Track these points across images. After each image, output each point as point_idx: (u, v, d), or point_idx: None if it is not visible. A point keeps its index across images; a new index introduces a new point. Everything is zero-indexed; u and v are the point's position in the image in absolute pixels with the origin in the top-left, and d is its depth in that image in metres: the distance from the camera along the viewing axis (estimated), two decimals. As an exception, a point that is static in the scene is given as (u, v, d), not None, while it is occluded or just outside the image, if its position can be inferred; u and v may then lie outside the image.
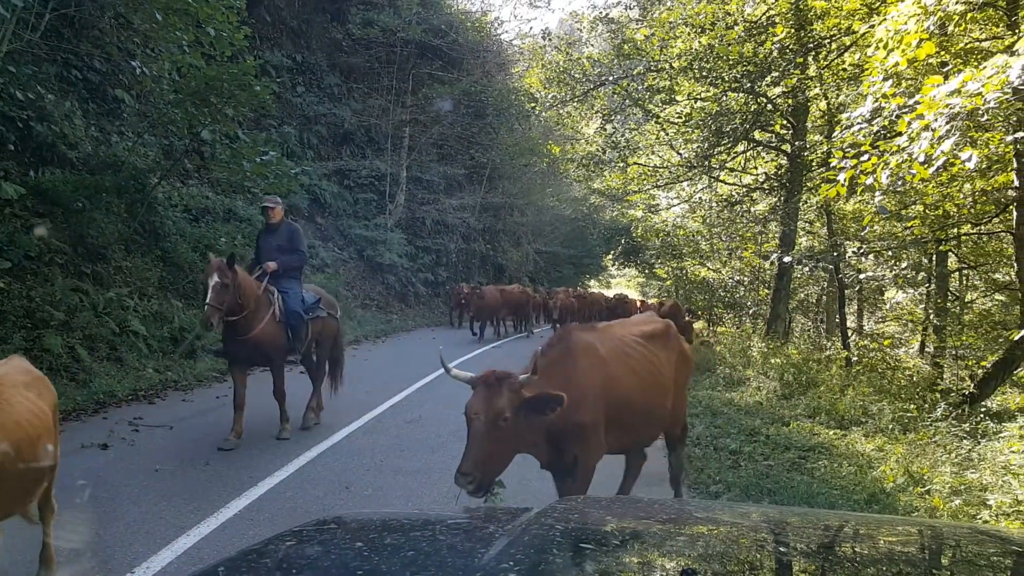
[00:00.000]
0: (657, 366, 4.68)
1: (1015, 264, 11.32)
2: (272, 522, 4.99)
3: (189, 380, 10.12)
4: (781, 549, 1.70)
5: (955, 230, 13.72)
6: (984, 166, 10.68)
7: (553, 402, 3.53)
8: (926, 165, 5.70)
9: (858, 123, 7.45)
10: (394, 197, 25.26)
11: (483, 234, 31.32)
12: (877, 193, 7.46)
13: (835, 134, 11.95)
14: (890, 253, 13.73)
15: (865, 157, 6.18)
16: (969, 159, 5.47)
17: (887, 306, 23.24)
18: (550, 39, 22.91)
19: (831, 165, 7.03)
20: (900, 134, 6.11)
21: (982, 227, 13.03)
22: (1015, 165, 10.15)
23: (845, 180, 6.23)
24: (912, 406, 9.66)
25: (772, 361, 13.45)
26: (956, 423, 8.37)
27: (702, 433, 8.59)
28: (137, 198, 12.04)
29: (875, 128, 7.68)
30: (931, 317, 16.67)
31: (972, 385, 12.15)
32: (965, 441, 7.60)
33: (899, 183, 7.36)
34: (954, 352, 17.91)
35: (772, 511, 2.94)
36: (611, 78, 18.27)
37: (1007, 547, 1.81)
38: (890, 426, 8.81)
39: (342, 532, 1.72)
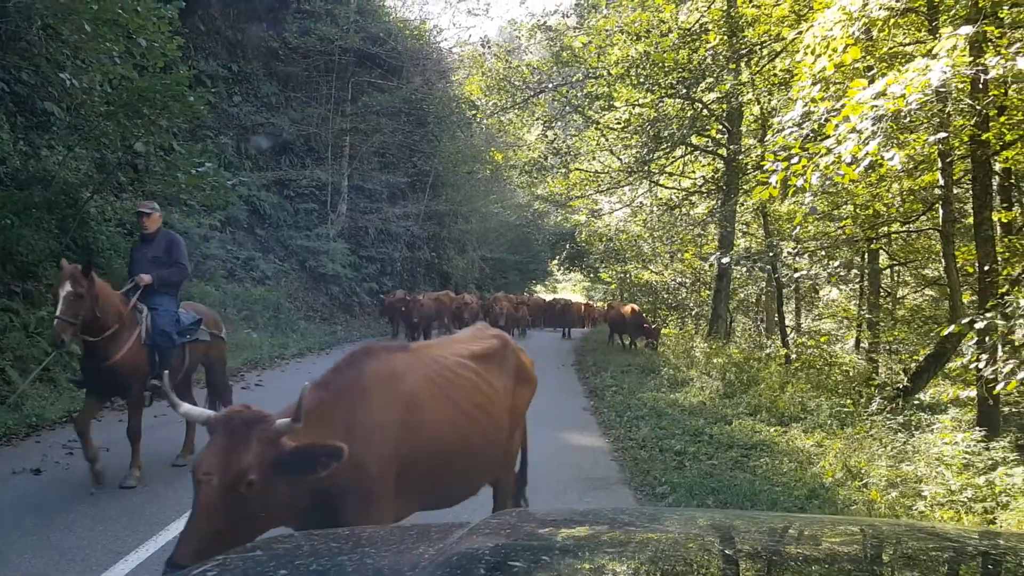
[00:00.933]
0: (489, 395, 3.71)
1: (943, 260, 11.71)
2: (214, 542, 4.89)
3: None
4: (726, 552, 1.72)
5: (885, 228, 14.16)
6: (910, 166, 11.06)
7: (327, 456, 2.51)
8: (853, 166, 5.87)
9: (789, 127, 7.65)
10: (336, 207, 25.01)
11: (428, 242, 31.19)
12: (808, 194, 7.67)
13: (767, 138, 12.24)
14: (823, 252, 14.11)
15: (796, 159, 6.35)
16: (893, 159, 5.65)
17: (823, 304, 23.87)
18: (489, 47, 22.99)
19: (764, 168, 7.20)
20: (828, 136, 6.28)
21: (911, 225, 13.47)
22: (939, 164, 10.52)
23: (777, 182, 6.39)
24: (848, 401, 9.93)
25: (714, 361, 13.70)
26: (891, 416, 8.63)
27: (648, 435, 8.68)
28: (69, 213, 11.70)
29: (805, 131, 7.87)
30: (864, 313, 17.17)
31: (906, 379, 12.56)
32: (900, 434, 7.85)
33: (828, 183, 7.56)
34: (888, 347, 18.48)
35: (717, 515, 2.98)
36: (551, 85, 18.44)
37: (943, 543, 1.87)
38: (828, 421, 9.05)
39: (267, 559, 1.66)
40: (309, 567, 1.61)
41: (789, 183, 6.50)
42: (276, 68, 24.50)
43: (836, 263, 14.35)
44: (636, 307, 21.30)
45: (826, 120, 6.90)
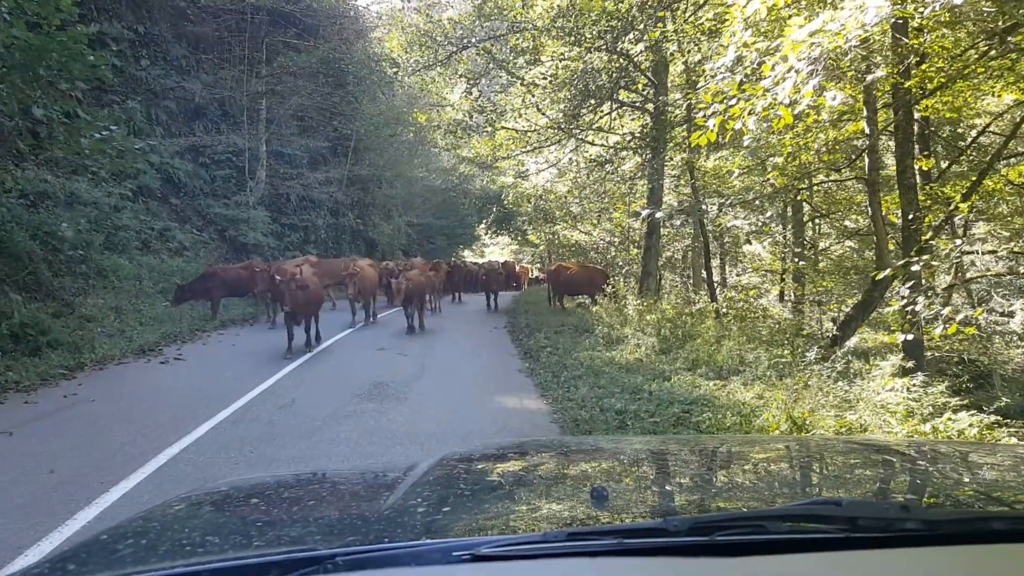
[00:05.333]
0: None
1: (869, 208, 11.80)
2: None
3: (32, 379, 9.18)
4: (661, 471, 1.89)
5: (809, 179, 14.25)
6: (835, 117, 11.07)
7: None
8: (792, 107, 5.69)
9: (721, 72, 7.43)
10: (254, 173, 24.08)
11: (352, 208, 30.38)
12: (746, 139, 7.50)
13: (700, 84, 12.07)
14: (758, 203, 14.14)
15: (734, 101, 6.14)
16: (835, 99, 5.49)
17: (747, 259, 24.19)
18: (409, 1, 22.29)
19: (699, 113, 6.97)
20: (763, 78, 6.08)
21: (836, 175, 13.57)
22: (865, 113, 10.54)
23: (715, 125, 6.17)
24: (786, 351, 9.91)
25: (648, 318, 13.60)
26: (828, 365, 8.62)
27: (586, 395, 8.49)
28: (-39, 184, 10.85)
29: (738, 77, 7.68)
30: (795, 261, 17.39)
31: (835, 328, 12.71)
32: (839, 383, 7.79)
33: (764, 128, 7.41)
34: (812, 298, 18.81)
35: (653, 440, 3.23)
36: (474, 40, 17.94)
37: (869, 456, 2.03)
38: (767, 373, 8.99)
39: (234, 492, 1.71)
40: (280, 494, 1.64)
41: (727, 127, 6.29)
42: (185, 29, 23.24)
43: (768, 214, 14.41)
44: (594, 264, 20.88)
45: (760, 64, 6.70)
